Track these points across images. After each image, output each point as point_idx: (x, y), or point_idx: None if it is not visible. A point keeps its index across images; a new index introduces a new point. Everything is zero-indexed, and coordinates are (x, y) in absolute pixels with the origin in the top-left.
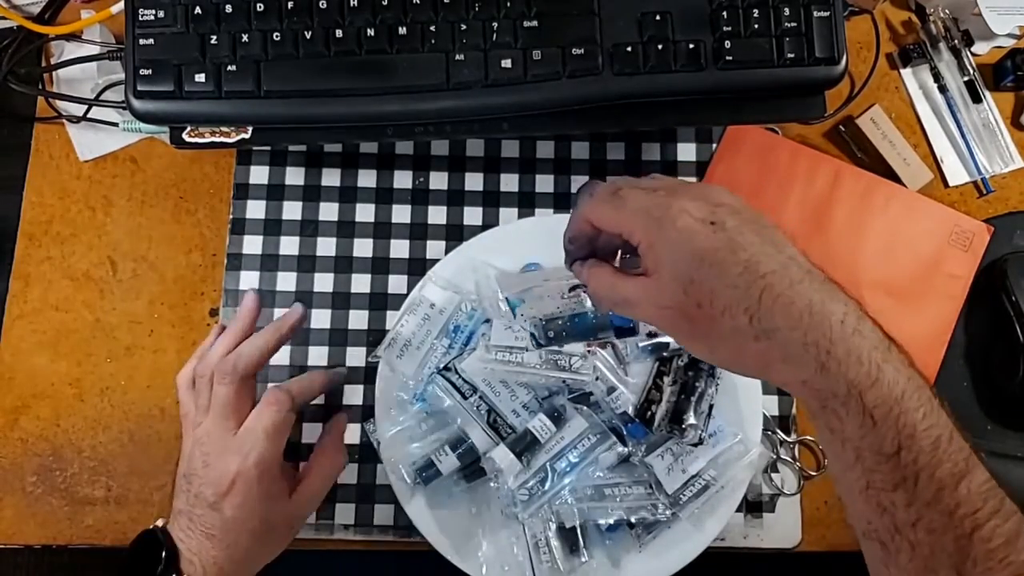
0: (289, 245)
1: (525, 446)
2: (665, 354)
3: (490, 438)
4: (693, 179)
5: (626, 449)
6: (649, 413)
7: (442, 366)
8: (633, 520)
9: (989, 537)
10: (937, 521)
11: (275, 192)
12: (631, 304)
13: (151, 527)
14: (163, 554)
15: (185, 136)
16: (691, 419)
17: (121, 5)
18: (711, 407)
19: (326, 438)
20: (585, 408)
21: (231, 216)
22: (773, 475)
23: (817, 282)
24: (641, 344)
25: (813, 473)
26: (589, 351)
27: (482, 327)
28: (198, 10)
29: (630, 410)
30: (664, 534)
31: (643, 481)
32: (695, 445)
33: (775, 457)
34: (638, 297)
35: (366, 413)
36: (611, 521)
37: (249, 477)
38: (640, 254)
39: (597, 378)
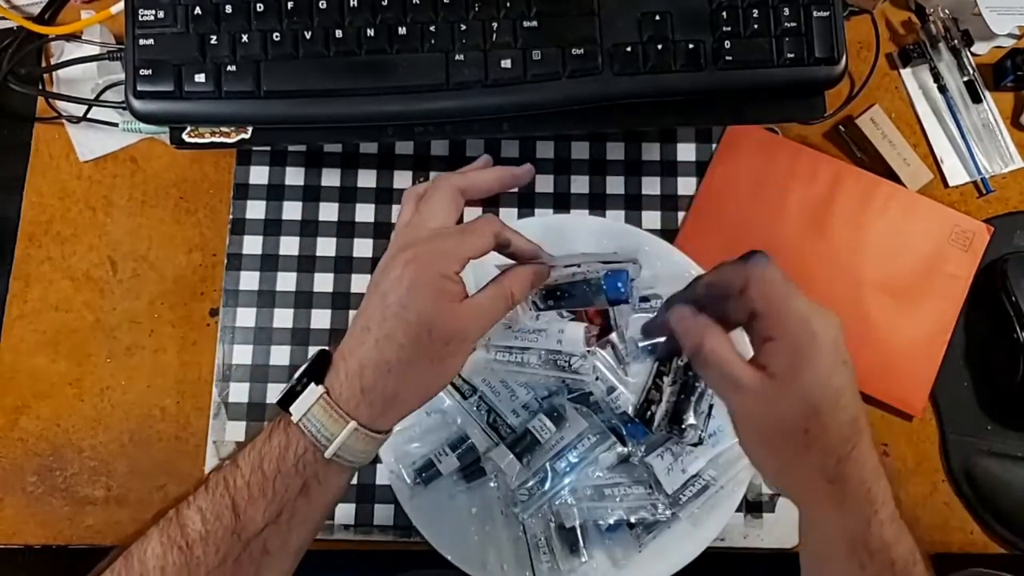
0: (289, 245)
1: (525, 446)
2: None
3: (490, 438)
4: (693, 179)
5: (626, 449)
6: (649, 413)
7: None
8: (633, 520)
9: None
10: None
11: (275, 192)
12: (736, 388)
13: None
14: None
15: (185, 136)
16: (691, 419)
17: (121, 5)
18: (711, 407)
19: (514, 270)
20: (585, 408)
21: (231, 216)
22: None
23: (878, 455)
24: (641, 344)
25: None
26: (589, 351)
27: None
28: (198, 10)
29: (630, 410)
30: (664, 534)
31: (643, 481)
32: (695, 445)
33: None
34: (749, 386)
35: None
36: (611, 521)
37: (419, 255)
38: (770, 351)
39: (597, 378)
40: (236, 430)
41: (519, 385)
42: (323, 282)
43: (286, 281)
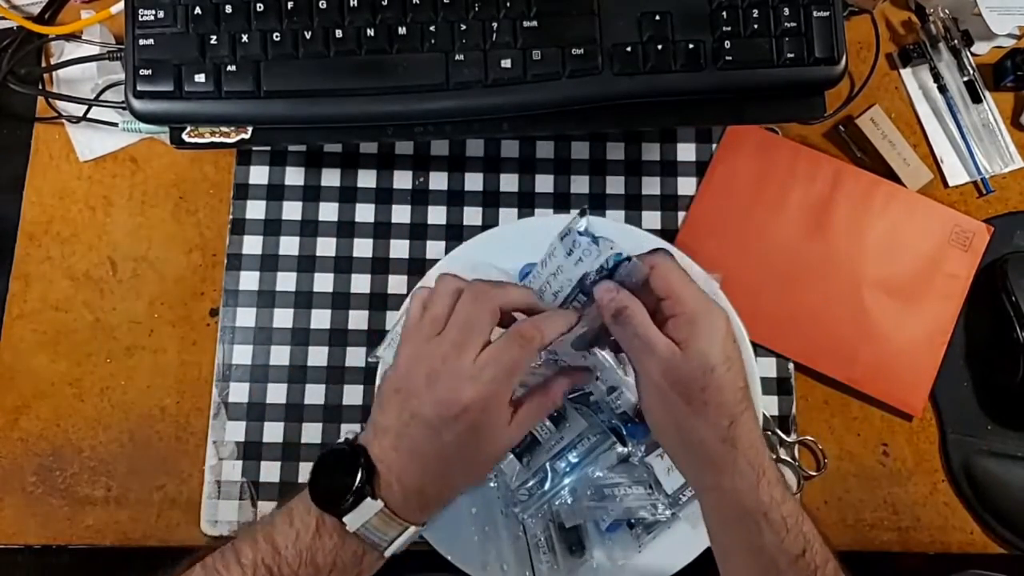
0: (289, 245)
1: (525, 446)
2: None
3: None
4: (693, 179)
5: (626, 449)
6: None
7: None
8: (633, 520)
9: None
10: None
11: (275, 192)
12: (652, 352)
13: (341, 441)
14: (359, 471)
15: (185, 136)
16: None
17: (121, 5)
18: None
19: (556, 377)
20: (585, 408)
21: (231, 216)
22: None
23: (761, 431)
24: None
25: (813, 473)
26: (589, 352)
27: None
28: (198, 10)
29: (630, 410)
30: (664, 534)
31: (643, 481)
32: None
33: (775, 457)
34: (660, 350)
35: (366, 414)
36: (611, 521)
37: (482, 408)
38: (673, 324)
39: (597, 378)
40: (236, 430)
41: (519, 386)
42: (323, 282)
43: (286, 281)
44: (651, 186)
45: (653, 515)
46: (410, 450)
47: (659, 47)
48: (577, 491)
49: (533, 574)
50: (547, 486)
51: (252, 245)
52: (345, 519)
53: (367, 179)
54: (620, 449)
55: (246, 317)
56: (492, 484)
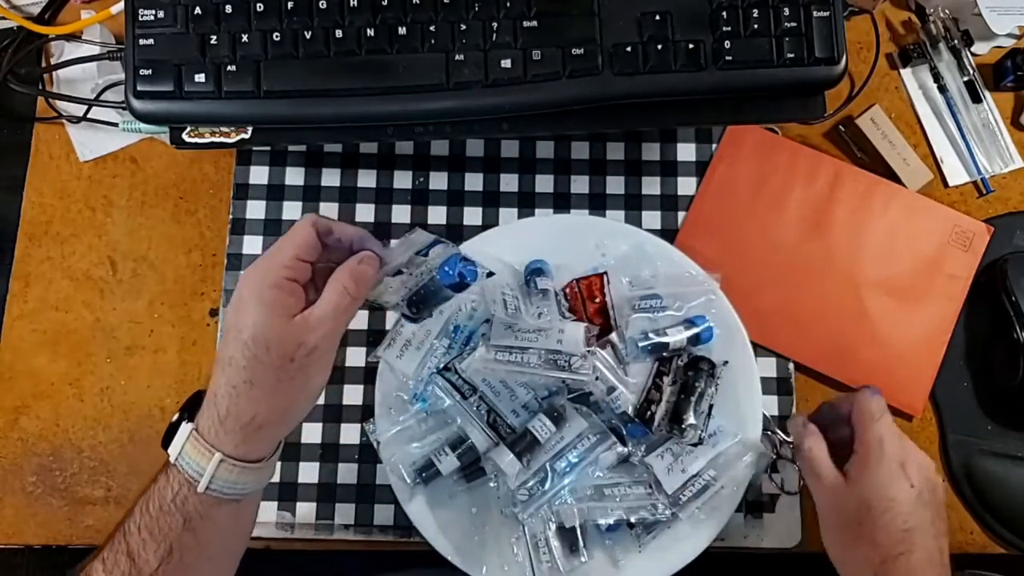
0: None
1: (525, 446)
2: (665, 354)
3: (490, 438)
4: (693, 179)
5: (626, 449)
6: (649, 413)
7: (442, 366)
8: (633, 520)
9: None
10: None
11: (275, 192)
12: (820, 479)
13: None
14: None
15: (185, 136)
16: (691, 419)
17: (121, 5)
18: (711, 407)
19: (345, 265)
20: (585, 408)
21: (231, 216)
22: (773, 475)
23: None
24: (641, 344)
25: None
26: (589, 351)
27: (482, 327)
28: (198, 10)
29: (630, 410)
30: (664, 534)
31: (643, 481)
32: (695, 445)
33: (775, 457)
34: (829, 480)
35: (366, 413)
36: (611, 521)
37: (247, 273)
38: (851, 459)
39: (597, 378)
40: None
41: (519, 385)
42: None
43: None
44: (651, 186)
45: (653, 515)
46: (217, 359)
47: (659, 47)
48: (577, 491)
49: (533, 574)
50: (547, 486)
51: (252, 245)
52: (168, 449)
53: (367, 179)
54: (620, 449)
55: None
56: (492, 484)
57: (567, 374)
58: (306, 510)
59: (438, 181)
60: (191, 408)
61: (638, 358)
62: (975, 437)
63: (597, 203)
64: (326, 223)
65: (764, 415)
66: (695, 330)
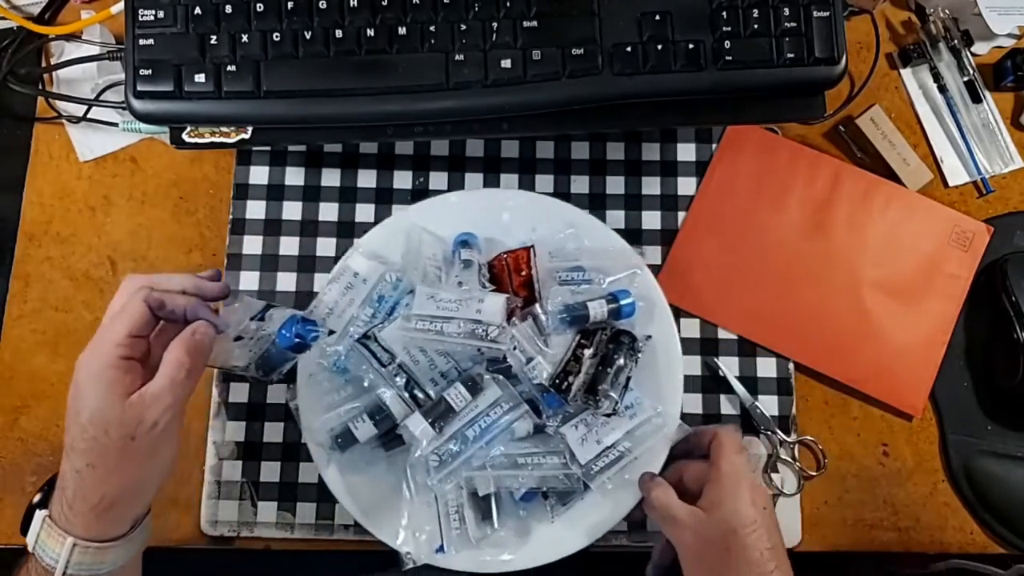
0: (289, 245)
1: (440, 414)
2: (587, 327)
3: (407, 406)
4: (693, 179)
5: (540, 420)
6: (566, 383)
7: (364, 334)
8: (546, 489)
9: None
10: None
11: (275, 192)
12: (676, 522)
13: None
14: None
15: (185, 136)
16: (606, 390)
17: (121, 5)
18: (628, 380)
19: (179, 338)
20: (501, 377)
21: (231, 216)
22: (773, 475)
23: None
24: (560, 316)
25: (813, 473)
26: (510, 322)
27: (407, 297)
28: (198, 10)
29: (546, 380)
30: (577, 505)
31: (558, 451)
32: (608, 415)
33: (775, 457)
34: (686, 520)
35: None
36: (524, 490)
37: (82, 357)
38: (706, 490)
39: (515, 348)
40: (236, 430)
41: (439, 354)
42: (323, 282)
43: (286, 281)
44: (651, 186)
45: (566, 485)
46: (76, 462)
47: (659, 47)
48: (491, 460)
49: (442, 541)
50: (459, 452)
51: (252, 245)
52: (27, 538)
53: (367, 179)
54: (534, 419)
55: None
56: (402, 449)
57: (485, 343)
58: (306, 510)
59: (438, 181)
60: (45, 495)
61: (559, 330)
62: (975, 437)
63: (597, 203)
64: (157, 297)
65: (764, 415)
66: (617, 304)
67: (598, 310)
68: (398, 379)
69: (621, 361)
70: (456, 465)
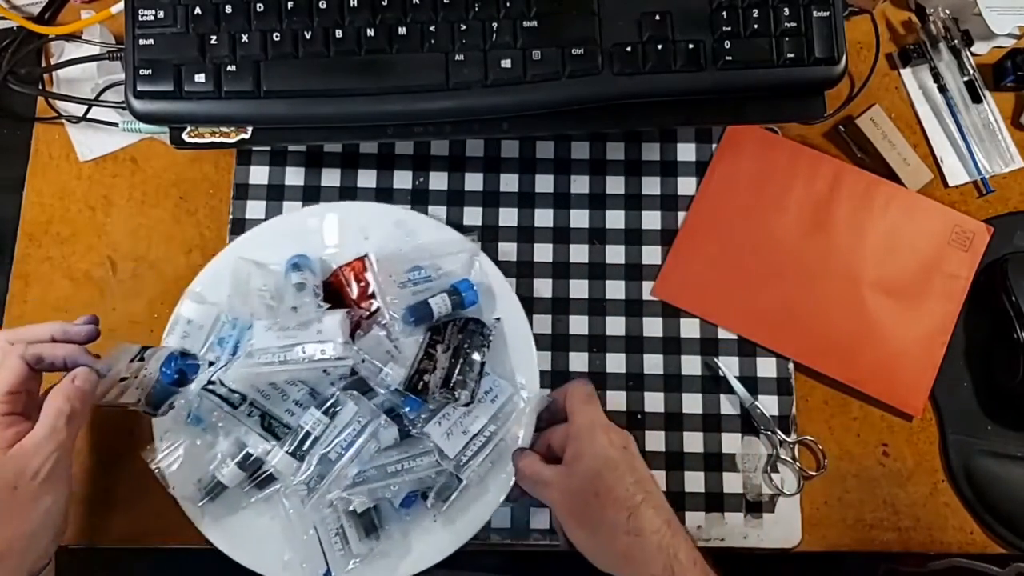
0: None
1: (299, 443)
2: (435, 322)
3: (267, 441)
4: (693, 179)
5: (397, 426)
6: (421, 384)
7: (209, 380)
8: (424, 491)
9: None
10: None
11: (275, 192)
12: (545, 484)
13: None
14: None
15: (185, 136)
16: (462, 380)
17: (121, 5)
18: (483, 365)
19: (59, 386)
20: (355, 393)
21: (231, 216)
22: (773, 475)
23: (673, 514)
24: (406, 319)
25: (813, 473)
26: (360, 333)
27: (248, 333)
28: (198, 10)
29: (400, 385)
30: (457, 500)
31: (428, 451)
32: (466, 405)
33: (775, 457)
34: (552, 479)
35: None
36: (402, 496)
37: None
38: (568, 444)
39: (363, 360)
40: None
41: (289, 384)
42: None
43: None
44: (651, 186)
45: (440, 482)
46: None
47: (659, 47)
48: (363, 474)
49: (327, 564)
50: (326, 476)
51: None
52: None
53: (367, 179)
54: (393, 426)
55: None
56: (277, 485)
57: (330, 363)
58: None
59: (438, 181)
60: None
61: (407, 332)
62: (975, 437)
63: (597, 203)
64: (34, 353)
65: (764, 415)
66: (459, 295)
67: (441, 306)
68: (253, 418)
69: (472, 350)
70: (325, 488)
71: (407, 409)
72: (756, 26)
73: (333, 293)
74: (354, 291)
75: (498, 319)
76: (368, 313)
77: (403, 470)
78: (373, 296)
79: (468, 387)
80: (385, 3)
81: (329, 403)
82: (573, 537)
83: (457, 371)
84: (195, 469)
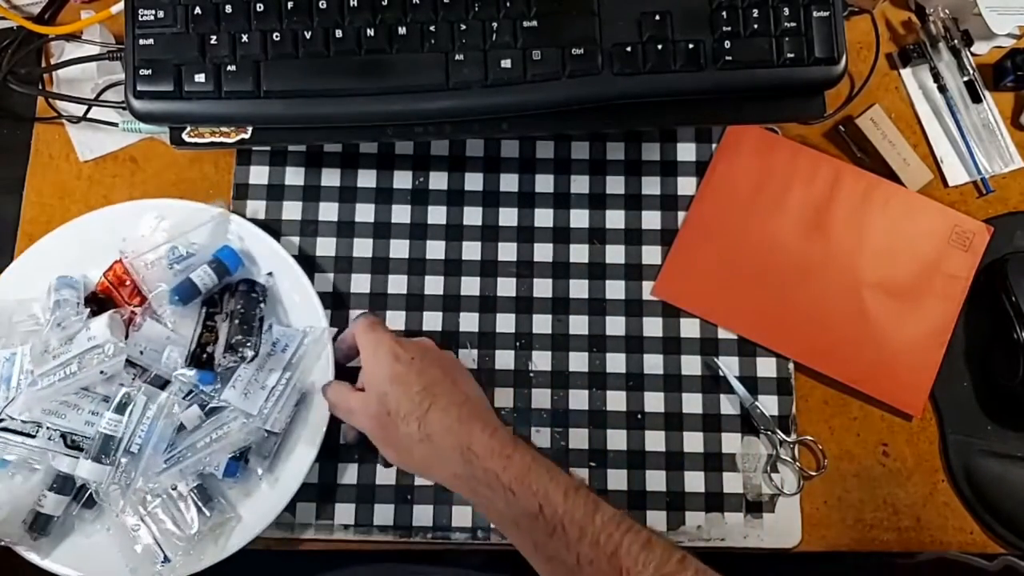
0: (289, 245)
1: (101, 447)
2: (208, 295)
3: (74, 458)
4: (693, 179)
5: (198, 404)
6: (205, 356)
7: None
8: (239, 454)
9: (628, 551)
10: (589, 552)
11: (275, 192)
12: (352, 411)
13: None
14: None
15: (185, 136)
16: (242, 340)
17: (121, 5)
18: (262, 320)
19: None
20: (148, 385)
21: None
22: (773, 475)
23: (468, 407)
24: (171, 302)
25: (813, 473)
26: (134, 330)
27: (27, 364)
28: (198, 10)
29: (183, 362)
30: (276, 456)
31: (235, 416)
32: (252, 360)
33: (775, 457)
34: (356, 406)
35: None
36: (223, 467)
37: None
38: (361, 372)
39: (142, 352)
40: None
41: (80, 397)
42: (322, 282)
43: None
44: (651, 186)
45: (251, 440)
46: None
47: (659, 47)
48: (176, 457)
49: (163, 551)
50: (133, 471)
51: None
52: None
53: (367, 179)
54: (194, 407)
55: None
56: (97, 499)
57: (108, 364)
58: (306, 510)
59: (438, 181)
60: None
61: (180, 313)
62: (975, 437)
63: (597, 203)
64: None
65: (764, 415)
66: (220, 263)
67: (205, 278)
68: (54, 441)
69: (248, 308)
70: (138, 481)
71: (200, 384)
72: (756, 26)
73: (107, 301)
74: (125, 292)
75: (270, 274)
76: (142, 308)
77: (213, 440)
78: (141, 291)
79: (250, 344)
80: (385, 3)
81: (119, 402)
82: (389, 457)
83: (237, 333)
84: (17, 511)
